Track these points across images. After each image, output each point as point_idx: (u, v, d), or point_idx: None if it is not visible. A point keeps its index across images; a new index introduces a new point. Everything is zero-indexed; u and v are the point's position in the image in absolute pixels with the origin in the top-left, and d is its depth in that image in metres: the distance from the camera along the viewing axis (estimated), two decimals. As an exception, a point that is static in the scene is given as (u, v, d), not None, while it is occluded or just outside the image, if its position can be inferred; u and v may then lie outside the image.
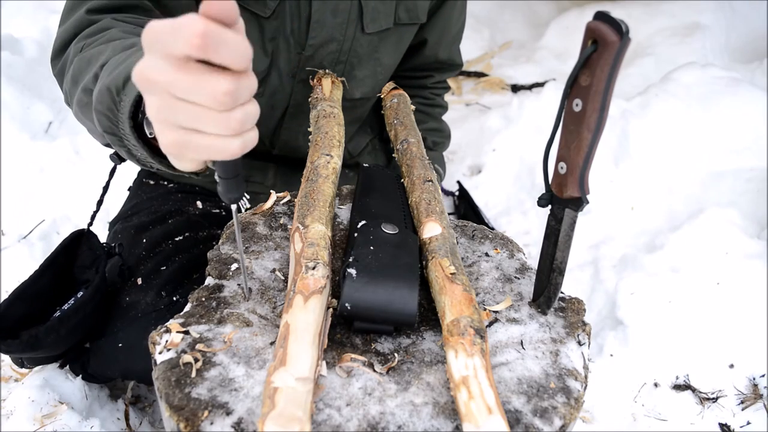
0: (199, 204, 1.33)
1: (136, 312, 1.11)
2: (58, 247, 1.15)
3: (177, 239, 1.23)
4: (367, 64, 1.27)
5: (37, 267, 1.11)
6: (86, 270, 1.15)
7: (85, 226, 1.20)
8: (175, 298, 1.13)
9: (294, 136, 1.33)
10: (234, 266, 0.90)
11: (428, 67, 1.51)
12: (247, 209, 1.05)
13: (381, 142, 1.60)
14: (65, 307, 1.08)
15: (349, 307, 0.79)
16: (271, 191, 1.08)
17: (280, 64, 1.19)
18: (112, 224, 1.34)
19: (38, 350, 1.04)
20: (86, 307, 1.09)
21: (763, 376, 1.46)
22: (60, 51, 0.98)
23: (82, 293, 1.09)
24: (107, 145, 0.87)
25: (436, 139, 1.60)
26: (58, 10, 2.75)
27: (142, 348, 1.08)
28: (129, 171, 1.53)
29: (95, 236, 1.19)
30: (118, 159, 0.97)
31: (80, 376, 1.30)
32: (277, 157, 1.39)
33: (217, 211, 1.35)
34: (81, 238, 1.18)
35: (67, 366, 1.29)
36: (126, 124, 0.74)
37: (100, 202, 1.21)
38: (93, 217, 1.22)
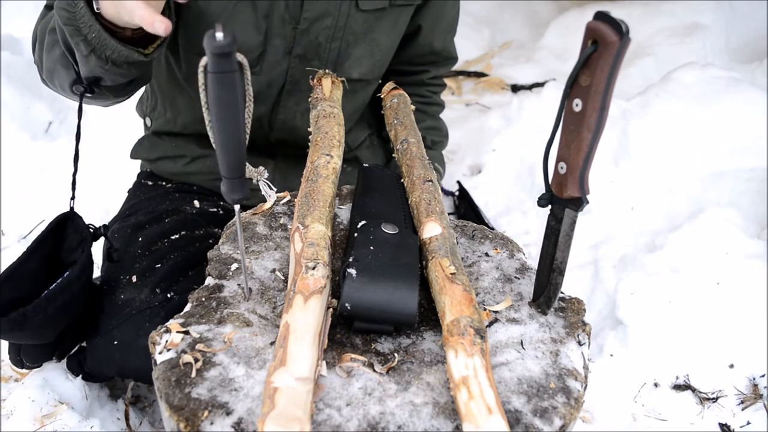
0: (196, 203, 1.34)
1: (131, 309, 1.12)
2: (44, 230, 1.12)
3: (173, 237, 1.23)
4: (363, 43, 1.28)
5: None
6: (73, 252, 1.14)
7: (68, 209, 1.15)
8: (169, 295, 1.13)
9: (291, 115, 1.33)
10: (234, 266, 0.90)
11: (424, 60, 1.51)
12: (275, 192, 1.06)
13: (380, 139, 1.60)
14: (52, 286, 1.07)
15: (349, 307, 0.79)
16: (272, 192, 1.08)
17: (276, 41, 1.21)
18: (111, 224, 1.34)
19: (25, 329, 1.03)
20: (73, 287, 1.08)
21: (763, 376, 1.46)
22: (33, 45, 1.14)
23: (68, 273, 1.08)
24: (77, 76, 1.05)
25: (435, 138, 1.60)
26: (58, 10, 2.75)
27: (137, 345, 1.09)
28: (129, 173, 1.53)
29: (80, 218, 1.15)
30: (81, 85, 1.06)
31: (80, 375, 1.30)
32: (275, 151, 1.39)
33: (215, 210, 1.35)
34: (67, 222, 1.15)
35: (66, 365, 1.29)
36: (80, 5, 0.91)
37: (76, 159, 1.14)
38: (73, 197, 1.16)
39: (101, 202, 1.93)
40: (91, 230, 1.14)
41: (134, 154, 1.45)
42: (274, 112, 1.33)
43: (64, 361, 1.29)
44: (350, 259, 0.82)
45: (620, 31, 0.62)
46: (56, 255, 1.15)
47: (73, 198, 1.15)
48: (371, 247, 0.85)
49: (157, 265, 1.17)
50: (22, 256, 1.09)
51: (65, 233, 1.15)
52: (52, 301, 1.05)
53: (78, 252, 1.13)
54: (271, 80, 1.26)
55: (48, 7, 1.13)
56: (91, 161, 2.06)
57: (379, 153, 1.59)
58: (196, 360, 0.72)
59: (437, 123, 1.63)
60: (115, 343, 1.11)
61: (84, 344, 1.22)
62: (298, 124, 1.34)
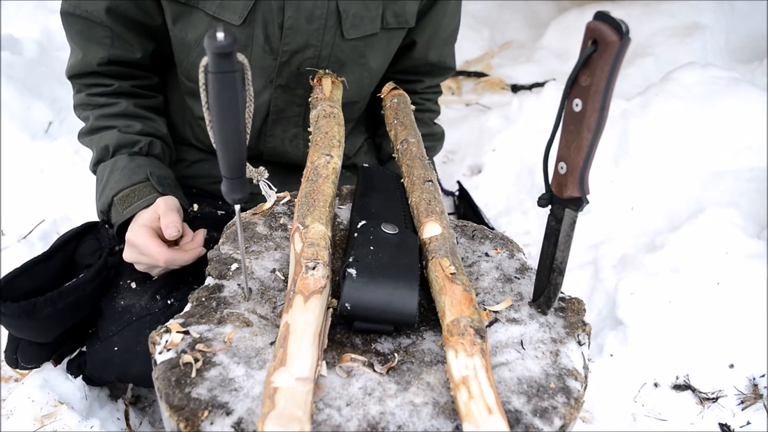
0: (195, 206, 1.34)
1: (131, 316, 1.12)
2: (70, 232, 1.18)
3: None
4: (352, 69, 1.25)
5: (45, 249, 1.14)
6: (87, 257, 1.17)
7: (98, 219, 1.22)
8: (169, 302, 1.13)
9: (280, 142, 1.31)
10: (234, 266, 0.90)
11: (418, 71, 1.47)
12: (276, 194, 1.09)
13: (374, 143, 1.59)
14: (66, 284, 1.10)
15: (349, 307, 0.79)
16: (272, 192, 1.08)
17: (256, 72, 1.18)
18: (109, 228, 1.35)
19: (32, 319, 1.05)
20: (85, 288, 1.10)
21: (763, 376, 1.46)
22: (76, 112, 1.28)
23: (83, 274, 1.11)
24: None
25: (427, 143, 1.58)
26: (58, 9, 2.75)
27: (136, 351, 1.09)
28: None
29: (106, 229, 1.21)
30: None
31: (80, 378, 1.30)
32: (268, 162, 1.39)
33: (214, 212, 1.35)
34: (91, 229, 1.20)
35: (66, 369, 1.29)
36: (116, 234, 1.16)
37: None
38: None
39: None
40: (111, 244, 1.18)
41: None
42: (262, 140, 1.31)
43: (63, 363, 1.29)
44: (350, 259, 0.82)
45: (620, 31, 0.62)
46: (72, 258, 1.17)
47: (109, 225, 1.24)
48: (371, 247, 0.85)
49: None
50: (45, 253, 1.13)
51: (83, 239, 1.18)
52: (64, 297, 1.08)
53: (93, 257, 1.17)
54: (254, 110, 1.24)
55: (71, 77, 1.23)
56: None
57: (375, 157, 1.58)
58: (196, 360, 0.72)
59: (430, 129, 1.60)
60: (116, 349, 1.11)
61: (84, 348, 1.22)
62: (288, 149, 1.32)
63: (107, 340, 1.12)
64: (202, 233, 1.12)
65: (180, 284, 1.16)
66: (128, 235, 1.05)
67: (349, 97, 1.31)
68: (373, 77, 1.33)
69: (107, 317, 1.14)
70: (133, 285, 1.15)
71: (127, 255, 1.07)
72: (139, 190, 1.12)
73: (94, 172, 1.21)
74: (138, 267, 1.09)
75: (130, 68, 1.22)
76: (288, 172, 1.37)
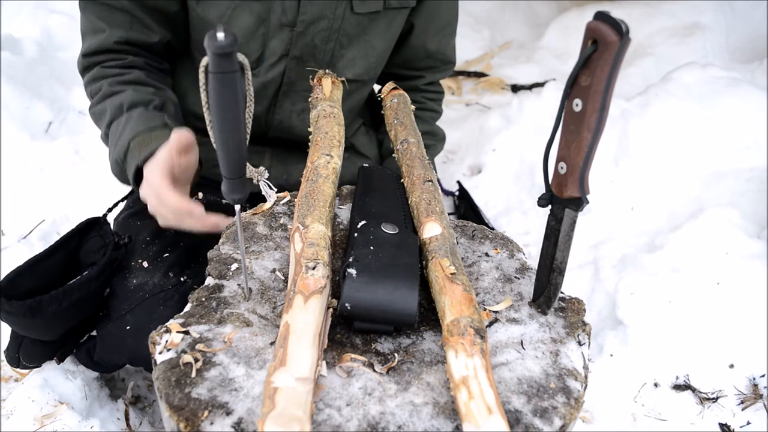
0: (200, 195, 1.34)
1: (143, 293, 1.11)
2: (72, 230, 1.17)
3: None
4: (357, 44, 1.30)
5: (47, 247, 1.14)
6: (93, 254, 1.17)
7: (100, 215, 1.23)
8: (182, 279, 1.13)
9: (287, 116, 1.35)
10: (234, 266, 0.90)
11: (420, 65, 1.50)
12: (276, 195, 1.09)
13: (371, 128, 1.62)
14: (71, 281, 1.10)
15: (349, 307, 0.79)
16: (272, 192, 1.08)
17: (273, 44, 1.23)
18: (116, 219, 1.35)
19: (37, 318, 1.05)
20: (90, 285, 1.10)
21: (763, 376, 1.46)
22: (81, 75, 1.27)
23: (88, 272, 1.11)
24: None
25: (429, 142, 1.59)
26: (58, 10, 2.75)
27: (149, 330, 1.08)
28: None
29: (108, 225, 1.21)
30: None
31: (82, 373, 1.30)
32: (271, 141, 1.41)
33: (219, 200, 1.35)
34: (94, 226, 1.20)
35: (74, 356, 1.29)
36: (132, 181, 1.12)
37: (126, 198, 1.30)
38: (111, 209, 1.27)
39: (104, 200, 1.93)
40: (116, 239, 1.16)
41: None
42: (271, 112, 1.34)
43: (66, 361, 1.29)
44: (350, 259, 0.82)
45: (620, 31, 0.62)
46: (76, 255, 1.17)
47: (110, 210, 1.26)
48: (371, 247, 0.85)
49: (167, 250, 1.18)
50: (47, 250, 1.13)
51: (88, 236, 1.18)
52: (69, 295, 1.07)
53: (98, 254, 1.16)
54: (268, 82, 1.28)
55: (86, 55, 1.23)
56: (91, 158, 2.07)
57: (372, 137, 1.59)
58: (196, 360, 0.72)
59: (431, 128, 1.62)
60: (128, 328, 1.11)
61: (93, 333, 1.22)
62: (294, 123, 1.35)
63: (119, 319, 1.11)
64: (222, 216, 1.08)
65: (192, 263, 1.17)
66: (145, 171, 1.05)
67: (356, 75, 1.35)
68: (378, 58, 1.37)
69: (119, 296, 1.13)
70: (145, 264, 1.15)
71: (143, 191, 1.07)
72: (157, 133, 1.10)
73: (107, 136, 1.19)
74: (149, 209, 1.07)
75: (146, 51, 1.25)
76: (288, 153, 1.39)
